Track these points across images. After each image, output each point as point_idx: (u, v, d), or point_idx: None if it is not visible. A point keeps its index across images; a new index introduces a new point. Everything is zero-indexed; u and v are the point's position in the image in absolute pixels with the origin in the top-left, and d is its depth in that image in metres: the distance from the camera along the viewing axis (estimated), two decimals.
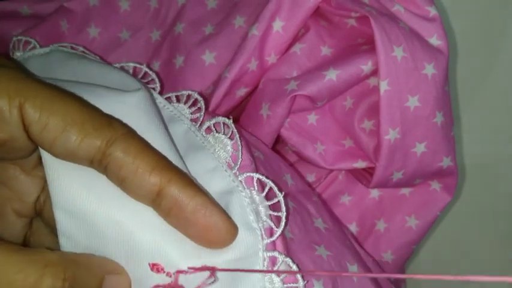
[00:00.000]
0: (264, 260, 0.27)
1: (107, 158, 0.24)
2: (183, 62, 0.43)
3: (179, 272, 0.26)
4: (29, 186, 0.29)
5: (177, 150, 0.28)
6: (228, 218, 0.26)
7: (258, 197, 0.29)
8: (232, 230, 0.26)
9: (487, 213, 0.55)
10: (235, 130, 0.30)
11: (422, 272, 0.55)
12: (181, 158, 0.28)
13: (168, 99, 0.33)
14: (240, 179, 0.29)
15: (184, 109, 0.32)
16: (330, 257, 0.32)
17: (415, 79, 0.38)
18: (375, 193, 0.45)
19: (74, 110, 0.25)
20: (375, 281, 0.37)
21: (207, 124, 0.31)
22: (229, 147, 0.30)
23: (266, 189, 0.29)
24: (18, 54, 0.35)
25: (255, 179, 0.29)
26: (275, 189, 0.28)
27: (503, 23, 0.52)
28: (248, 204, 0.28)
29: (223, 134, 0.31)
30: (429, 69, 0.38)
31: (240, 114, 0.44)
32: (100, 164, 0.25)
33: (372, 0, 0.39)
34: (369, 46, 0.39)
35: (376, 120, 0.40)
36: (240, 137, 0.30)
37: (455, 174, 0.43)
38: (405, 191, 0.44)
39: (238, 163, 0.30)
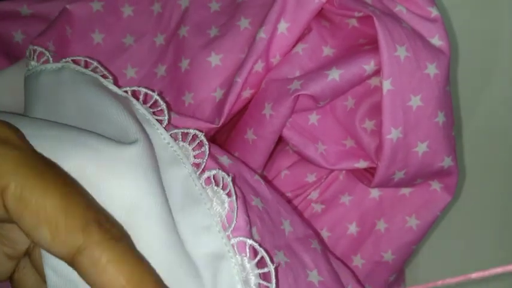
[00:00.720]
0: None
1: (76, 264, 0.23)
2: (189, 64, 0.43)
3: None
4: (22, 238, 0.29)
5: (169, 212, 0.28)
6: None
7: (249, 265, 0.28)
8: None
9: (486, 213, 0.55)
10: (233, 189, 0.30)
11: (421, 272, 0.55)
12: (172, 221, 0.28)
13: (174, 135, 0.32)
14: (232, 242, 0.29)
15: (189, 150, 0.31)
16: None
17: (417, 79, 0.38)
18: (375, 193, 0.45)
19: (51, 207, 0.23)
20: None
21: (207, 174, 0.30)
22: (226, 205, 0.30)
23: (258, 257, 0.28)
24: (32, 64, 0.35)
25: (247, 245, 0.29)
26: (267, 259, 0.28)
27: (505, 23, 0.53)
28: (237, 272, 0.28)
29: (222, 187, 0.30)
30: (431, 69, 0.38)
31: (241, 114, 0.43)
32: (72, 265, 0.23)
33: (375, 1, 0.39)
34: (371, 46, 0.40)
35: (377, 120, 0.41)
36: (236, 196, 0.30)
37: (455, 174, 0.43)
38: (405, 191, 0.45)
39: (232, 226, 0.29)
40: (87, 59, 0.34)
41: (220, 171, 0.31)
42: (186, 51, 0.44)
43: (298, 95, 0.39)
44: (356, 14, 0.39)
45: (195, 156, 0.31)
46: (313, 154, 0.43)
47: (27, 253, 0.29)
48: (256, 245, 0.28)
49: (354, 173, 0.45)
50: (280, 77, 0.41)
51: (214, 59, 0.43)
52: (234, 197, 0.30)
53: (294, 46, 0.42)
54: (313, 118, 0.43)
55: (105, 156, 0.27)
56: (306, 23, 0.40)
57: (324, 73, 0.39)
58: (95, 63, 0.34)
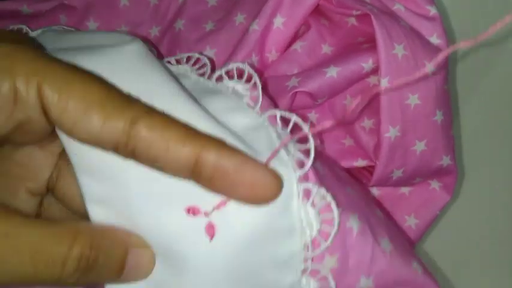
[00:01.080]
0: (299, 192, 0.26)
1: (133, 140, 0.23)
2: None
3: (219, 204, 0.25)
4: (44, 163, 0.28)
5: (190, 95, 0.27)
6: (272, 169, 0.25)
7: (284, 133, 0.28)
8: (278, 181, 0.25)
9: (486, 212, 0.55)
10: (252, 71, 0.29)
11: None
12: (196, 101, 0.27)
13: (168, 63, 0.31)
14: (263, 117, 0.28)
15: (187, 69, 0.31)
16: (358, 197, 0.32)
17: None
18: (374, 192, 0.45)
19: (94, 91, 0.24)
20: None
21: (217, 73, 0.30)
22: (247, 88, 0.29)
23: (290, 125, 0.28)
24: None
25: (278, 116, 0.28)
26: (300, 122, 0.27)
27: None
28: (276, 138, 0.27)
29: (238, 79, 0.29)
30: (429, 68, 0.38)
31: None
32: (126, 147, 0.23)
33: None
34: (369, 45, 0.40)
35: (375, 119, 0.41)
36: (260, 78, 0.29)
37: (454, 173, 0.43)
38: (404, 190, 0.45)
39: (259, 102, 0.29)
40: (64, 27, 0.34)
41: (232, 64, 0.30)
42: (181, 44, 0.44)
43: (296, 92, 0.39)
44: (354, 12, 0.39)
45: (197, 70, 0.31)
46: None
47: (50, 189, 0.29)
48: (287, 114, 0.28)
49: (353, 171, 0.45)
50: (278, 74, 0.41)
51: (209, 53, 0.43)
52: (256, 75, 0.29)
53: (291, 42, 0.42)
54: (312, 117, 0.43)
55: (108, 53, 0.27)
56: (302, 19, 0.40)
57: (321, 70, 0.39)
58: (73, 29, 0.34)
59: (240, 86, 0.29)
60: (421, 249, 0.54)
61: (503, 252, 0.54)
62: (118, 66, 0.26)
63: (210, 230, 0.26)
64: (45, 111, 0.24)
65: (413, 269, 0.31)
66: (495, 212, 0.55)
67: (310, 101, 0.41)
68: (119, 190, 0.26)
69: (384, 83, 0.38)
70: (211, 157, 0.24)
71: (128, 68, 0.26)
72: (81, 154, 0.26)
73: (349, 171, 0.45)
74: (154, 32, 0.46)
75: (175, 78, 0.28)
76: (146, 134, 0.23)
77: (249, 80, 0.29)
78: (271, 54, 0.41)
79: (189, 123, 0.25)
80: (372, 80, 0.41)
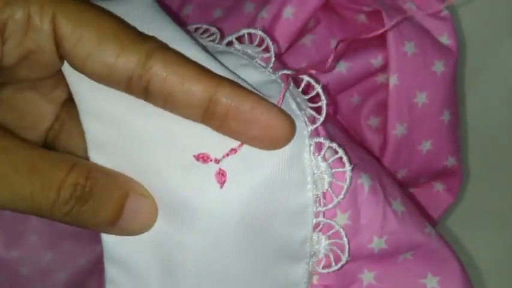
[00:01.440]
0: (310, 145, 0.27)
1: (148, 73, 0.23)
2: None
3: (230, 152, 0.25)
4: (44, 111, 0.28)
5: (203, 46, 0.27)
6: (285, 112, 0.25)
7: (295, 91, 0.28)
8: (292, 123, 0.25)
9: (490, 215, 0.55)
10: (264, 35, 0.29)
11: None
12: (211, 54, 0.27)
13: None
14: (274, 77, 0.28)
15: (197, 37, 0.31)
16: (370, 161, 0.32)
17: (424, 75, 0.38)
18: None
19: (108, 23, 0.23)
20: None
21: (228, 39, 0.30)
22: (258, 50, 0.29)
23: (302, 85, 0.28)
24: None
25: (290, 76, 0.28)
26: (312, 82, 0.28)
27: None
28: (289, 94, 0.27)
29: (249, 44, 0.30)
30: (438, 67, 0.38)
31: None
32: (140, 81, 0.23)
33: None
34: (378, 42, 0.39)
35: (382, 117, 0.40)
36: (272, 43, 0.29)
37: (459, 175, 0.43)
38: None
39: (272, 62, 0.29)
40: None
41: (242, 29, 0.30)
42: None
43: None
44: (365, 8, 0.39)
45: (206, 37, 0.31)
46: None
47: (50, 140, 0.29)
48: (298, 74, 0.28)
49: None
50: (287, 67, 0.41)
51: None
52: (268, 39, 0.29)
53: (300, 36, 0.41)
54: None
55: (129, 7, 0.27)
56: (312, 11, 0.40)
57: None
58: None
59: (251, 49, 0.29)
60: None
61: (508, 255, 0.54)
62: (131, 15, 0.26)
63: (221, 178, 0.25)
64: (57, 43, 0.23)
65: (427, 232, 0.31)
66: (499, 215, 0.55)
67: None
68: (125, 137, 0.26)
69: (393, 79, 0.37)
70: (226, 95, 0.24)
71: (141, 17, 0.26)
72: (88, 97, 0.25)
73: None
74: None
75: (187, 31, 0.28)
76: (161, 67, 0.23)
77: (260, 44, 0.30)
78: (279, 45, 0.41)
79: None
80: (380, 78, 0.41)
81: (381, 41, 0.39)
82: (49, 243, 0.49)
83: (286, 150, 0.26)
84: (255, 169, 0.26)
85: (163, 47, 0.24)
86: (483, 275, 0.54)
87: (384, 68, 0.39)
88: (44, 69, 0.25)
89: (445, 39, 0.40)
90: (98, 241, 0.28)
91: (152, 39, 0.24)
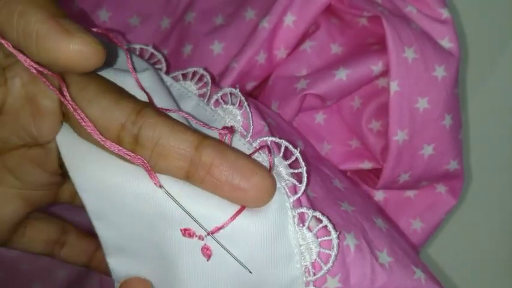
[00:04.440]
0: (294, 217, 0.28)
1: (141, 120, 0.25)
2: (191, 51, 0.44)
3: (212, 232, 0.27)
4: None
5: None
6: (264, 166, 0.27)
7: (276, 159, 0.29)
8: (272, 179, 0.26)
9: (492, 216, 0.55)
10: (243, 98, 0.31)
11: None
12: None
13: (175, 78, 0.34)
14: (254, 145, 0.30)
15: (191, 86, 0.33)
16: (355, 211, 0.33)
17: (425, 81, 0.38)
18: (379, 195, 0.45)
19: (108, 83, 0.27)
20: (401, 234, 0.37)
21: (214, 97, 0.32)
22: (239, 117, 0.31)
23: (282, 150, 0.29)
24: None
25: (269, 143, 0.29)
26: (290, 147, 0.29)
27: None
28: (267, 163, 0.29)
29: (232, 104, 0.31)
30: (439, 72, 0.38)
31: None
32: (133, 126, 0.25)
33: (385, 1, 0.40)
34: (379, 46, 0.40)
35: (383, 121, 0.41)
36: (248, 104, 0.31)
37: (461, 177, 0.43)
38: (410, 193, 0.45)
39: (251, 130, 0.30)
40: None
41: (226, 88, 0.32)
42: (190, 37, 0.45)
43: (305, 94, 0.40)
44: (365, 13, 0.39)
45: (198, 89, 0.33)
46: None
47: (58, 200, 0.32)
48: (277, 139, 0.29)
49: (359, 174, 0.45)
50: (287, 74, 0.42)
51: (217, 48, 0.43)
52: (246, 104, 0.31)
53: (300, 42, 0.42)
54: (320, 117, 0.43)
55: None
56: (313, 18, 0.41)
57: (331, 72, 0.40)
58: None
59: (232, 116, 0.31)
60: (426, 253, 0.54)
61: (510, 257, 0.54)
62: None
63: (206, 252, 0.27)
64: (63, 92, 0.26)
65: (416, 278, 0.32)
66: (501, 216, 0.55)
67: (319, 103, 0.41)
68: (119, 210, 0.28)
69: (393, 86, 0.38)
70: (211, 146, 0.26)
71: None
72: (82, 172, 0.28)
73: (354, 173, 0.45)
74: (164, 24, 0.47)
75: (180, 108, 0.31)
76: (153, 116, 0.26)
77: (241, 106, 0.31)
78: (280, 52, 0.42)
79: None
80: (381, 82, 0.41)
81: (381, 47, 0.39)
82: None
83: (269, 226, 0.27)
84: (240, 246, 0.27)
85: (155, 108, 0.27)
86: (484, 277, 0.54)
87: (385, 73, 0.39)
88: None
89: (447, 42, 0.40)
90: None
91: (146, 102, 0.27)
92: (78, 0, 0.46)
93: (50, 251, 0.35)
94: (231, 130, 0.29)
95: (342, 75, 0.40)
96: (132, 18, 0.47)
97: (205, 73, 0.33)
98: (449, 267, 0.54)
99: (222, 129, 0.29)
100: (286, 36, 0.41)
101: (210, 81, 0.33)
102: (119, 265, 0.30)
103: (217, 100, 0.32)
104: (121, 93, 0.26)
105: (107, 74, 0.28)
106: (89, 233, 0.36)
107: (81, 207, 0.31)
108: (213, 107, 0.31)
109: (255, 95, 0.44)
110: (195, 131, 0.26)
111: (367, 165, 0.43)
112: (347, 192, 0.35)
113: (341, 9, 0.41)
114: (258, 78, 0.43)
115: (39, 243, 0.34)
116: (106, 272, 0.33)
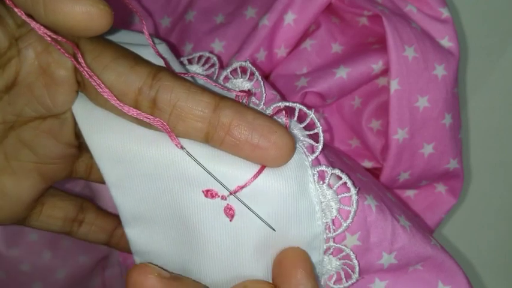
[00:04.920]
0: (314, 175, 0.28)
1: (158, 83, 0.26)
2: (192, 49, 0.45)
3: (235, 191, 0.27)
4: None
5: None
6: (285, 127, 0.27)
7: (290, 122, 0.29)
8: (291, 136, 0.26)
9: (492, 216, 0.55)
10: (253, 69, 0.31)
11: None
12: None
13: (180, 63, 0.34)
14: (268, 112, 0.30)
15: (198, 68, 0.33)
16: (369, 181, 0.33)
17: (425, 79, 0.38)
18: None
19: (123, 49, 0.27)
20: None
21: (224, 74, 0.32)
22: (249, 87, 0.31)
23: (296, 113, 0.30)
24: None
25: (282, 107, 0.30)
26: (304, 109, 0.29)
27: None
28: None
29: (241, 78, 0.31)
30: (439, 71, 0.39)
31: None
32: (150, 90, 0.26)
33: (385, 0, 0.39)
34: (379, 45, 0.40)
35: (383, 120, 0.41)
36: (260, 76, 0.31)
37: (461, 176, 0.43)
38: (410, 193, 0.45)
39: (263, 98, 0.30)
40: None
41: (235, 63, 0.32)
42: (191, 35, 0.45)
43: (306, 92, 0.40)
44: (365, 12, 0.39)
45: (206, 70, 0.33)
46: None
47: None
48: (290, 104, 0.29)
49: None
50: (288, 72, 0.42)
51: (217, 46, 0.44)
52: (257, 73, 0.31)
53: (300, 41, 0.42)
54: (320, 116, 0.43)
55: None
56: (314, 16, 0.41)
57: (331, 71, 0.40)
58: None
59: (246, 84, 0.31)
60: None
61: (510, 255, 0.55)
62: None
63: (229, 212, 0.27)
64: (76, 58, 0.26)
65: (433, 244, 0.32)
66: (501, 216, 0.55)
67: (320, 101, 0.41)
68: (139, 172, 0.28)
69: (393, 84, 0.38)
70: (229, 107, 0.26)
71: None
72: (99, 141, 0.28)
73: None
74: (165, 23, 0.47)
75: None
76: (169, 80, 0.26)
77: (251, 78, 0.31)
78: (280, 50, 0.42)
79: None
80: (381, 81, 0.41)
81: (381, 46, 0.39)
82: (49, 242, 0.50)
83: (290, 184, 0.27)
84: (262, 204, 0.27)
85: (165, 69, 0.27)
86: (483, 278, 0.54)
87: (385, 72, 0.40)
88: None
89: (446, 41, 0.40)
90: None
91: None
92: None
93: (68, 230, 0.35)
94: (248, 93, 0.29)
95: (342, 73, 0.40)
96: (132, 16, 0.47)
97: (211, 55, 0.33)
98: None
99: (239, 91, 0.29)
100: (286, 34, 0.41)
101: (217, 61, 0.32)
102: (138, 236, 0.30)
103: (226, 76, 0.32)
104: (136, 59, 0.26)
105: (122, 41, 0.29)
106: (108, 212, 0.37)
107: (96, 183, 0.31)
108: (222, 83, 0.31)
109: None
110: (213, 93, 0.26)
111: (367, 164, 0.43)
112: (356, 166, 0.35)
113: (341, 8, 0.41)
114: None
115: (57, 220, 0.34)
116: (126, 249, 0.33)
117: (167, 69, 0.27)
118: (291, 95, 0.40)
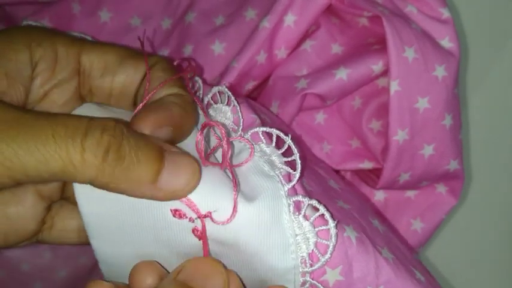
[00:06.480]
0: (289, 205, 0.27)
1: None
2: (192, 51, 0.45)
3: (203, 216, 0.26)
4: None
5: None
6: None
7: (269, 148, 0.29)
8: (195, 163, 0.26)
9: (492, 216, 0.55)
10: (229, 94, 0.31)
11: None
12: None
13: None
14: (246, 137, 0.29)
15: None
16: (352, 209, 0.32)
17: (425, 80, 0.38)
18: (380, 195, 0.45)
19: (116, 48, 0.30)
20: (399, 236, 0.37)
21: (206, 100, 0.32)
22: (229, 114, 0.31)
23: (274, 139, 0.29)
24: None
25: (260, 133, 0.29)
26: (281, 135, 0.29)
27: None
28: (259, 157, 0.28)
29: (221, 102, 0.31)
30: (440, 71, 0.39)
31: None
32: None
33: (385, 0, 0.40)
34: (379, 46, 0.40)
35: (384, 121, 0.41)
36: (236, 99, 0.31)
37: (461, 177, 0.43)
38: (411, 193, 0.45)
39: (241, 124, 0.30)
40: (82, 35, 0.35)
41: (215, 87, 0.31)
42: (191, 37, 0.45)
43: (306, 93, 0.40)
44: (365, 13, 0.39)
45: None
46: (318, 153, 0.44)
47: (63, 196, 0.31)
48: (267, 129, 0.29)
49: (359, 174, 0.45)
50: (288, 74, 0.42)
51: (218, 48, 0.44)
52: (233, 98, 0.30)
53: (300, 42, 0.42)
54: (320, 117, 0.43)
55: None
56: (314, 18, 0.41)
57: (331, 72, 0.40)
58: (89, 38, 0.35)
59: (222, 114, 0.31)
60: (425, 253, 0.54)
61: (510, 256, 0.55)
62: None
63: (197, 233, 0.27)
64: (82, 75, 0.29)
65: (418, 278, 0.31)
66: (501, 217, 0.55)
67: (319, 103, 0.41)
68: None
69: (394, 85, 0.38)
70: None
71: None
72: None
73: (355, 173, 0.45)
74: (165, 24, 0.47)
75: None
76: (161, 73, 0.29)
77: (229, 103, 0.31)
78: (280, 52, 0.42)
79: None
80: (381, 81, 0.41)
81: (381, 46, 0.39)
82: None
83: (263, 212, 0.26)
84: (232, 232, 0.26)
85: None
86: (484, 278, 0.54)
87: (386, 73, 0.40)
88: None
89: (447, 42, 0.40)
90: None
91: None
92: (79, 1, 0.47)
93: (86, 239, 0.32)
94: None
95: (342, 74, 0.40)
96: (133, 18, 0.47)
97: (196, 78, 0.33)
98: (448, 267, 0.54)
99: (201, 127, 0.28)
100: (286, 36, 0.41)
101: (201, 85, 0.32)
102: (104, 250, 0.29)
103: (208, 102, 0.31)
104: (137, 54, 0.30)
105: None
106: None
107: None
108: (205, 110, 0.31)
109: (255, 95, 0.45)
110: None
111: (367, 165, 0.43)
112: (342, 192, 0.34)
113: (341, 9, 0.41)
114: (259, 78, 0.43)
115: (71, 232, 0.32)
116: None
117: (160, 61, 0.30)
118: (291, 97, 0.40)
